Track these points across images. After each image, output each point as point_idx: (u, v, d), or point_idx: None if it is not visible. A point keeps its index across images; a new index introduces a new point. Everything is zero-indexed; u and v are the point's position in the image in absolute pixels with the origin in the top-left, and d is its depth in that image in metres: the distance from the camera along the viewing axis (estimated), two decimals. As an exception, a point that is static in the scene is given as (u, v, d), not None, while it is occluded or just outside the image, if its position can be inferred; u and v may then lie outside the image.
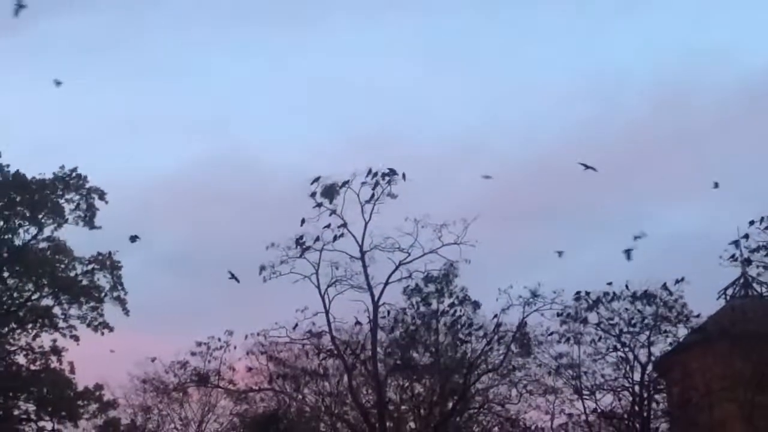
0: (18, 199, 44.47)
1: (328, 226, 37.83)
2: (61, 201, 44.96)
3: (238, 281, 38.74)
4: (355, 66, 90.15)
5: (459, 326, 40.80)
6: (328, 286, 38.11)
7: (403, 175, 37.44)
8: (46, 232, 45.75)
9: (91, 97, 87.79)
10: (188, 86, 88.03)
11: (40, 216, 44.85)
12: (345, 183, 37.71)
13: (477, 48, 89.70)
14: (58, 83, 39.49)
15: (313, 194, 37.69)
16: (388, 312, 40.02)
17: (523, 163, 71.56)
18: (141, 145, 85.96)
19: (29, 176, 45.02)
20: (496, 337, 40.02)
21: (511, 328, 39.67)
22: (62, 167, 45.03)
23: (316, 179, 37.67)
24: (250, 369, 41.82)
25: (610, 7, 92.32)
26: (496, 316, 39.55)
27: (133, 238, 41.34)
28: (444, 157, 69.10)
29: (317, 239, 37.86)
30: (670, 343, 40.60)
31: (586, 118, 79.31)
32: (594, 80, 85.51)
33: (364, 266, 38.12)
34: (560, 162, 69.87)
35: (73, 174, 44.95)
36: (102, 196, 45.28)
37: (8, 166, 44.84)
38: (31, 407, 46.79)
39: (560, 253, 39.80)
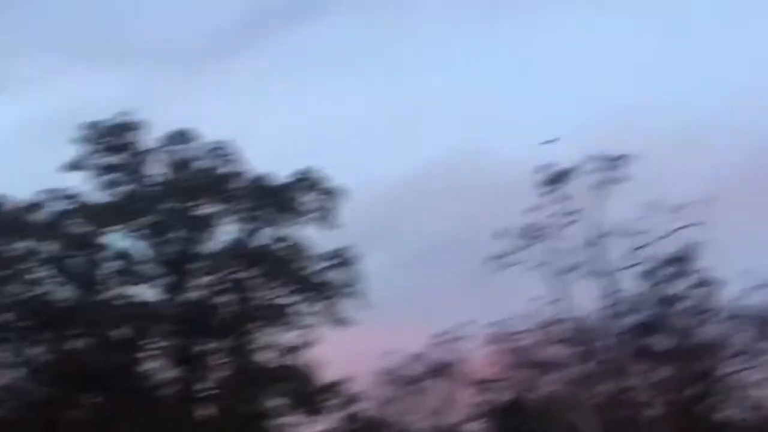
0: (261, 202, 46.35)
1: (558, 213, 37.74)
2: (301, 200, 46.57)
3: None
4: (586, 54, 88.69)
5: (700, 309, 39.84)
6: (562, 274, 38.03)
7: (634, 158, 36.87)
8: (286, 232, 47.52)
9: (334, 100, 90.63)
10: (429, 84, 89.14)
11: (282, 217, 46.66)
12: (573, 169, 37.50)
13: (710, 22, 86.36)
14: None
15: (541, 182, 37.69)
16: (626, 298, 39.52)
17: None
18: (382, 145, 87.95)
19: (271, 179, 46.91)
20: (740, 320, 38.93)
21: (757, 311, 38.53)
22: (302, 168, 46.57)
23: (544, 166, 37.61)
24: (493, 357, 42.25)
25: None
26: (739, 298, 38.50)
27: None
28: (685, 141, 66.93)
29: (547, 227, 37.83)
30: None
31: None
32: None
33: (598, 252, 37.78)
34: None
35: (313, 174, 46.44)
36: (340, 194, 46.52)
37: (250, 171, 46.88)
38: (278, 402, 48.66)
39: None
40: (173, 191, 46.60)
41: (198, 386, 47.40)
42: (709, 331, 40.19)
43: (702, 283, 39.77)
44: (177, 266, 46.36)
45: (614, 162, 37.10)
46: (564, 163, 37.56)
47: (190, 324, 46.01)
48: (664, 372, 41.63)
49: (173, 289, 46.67)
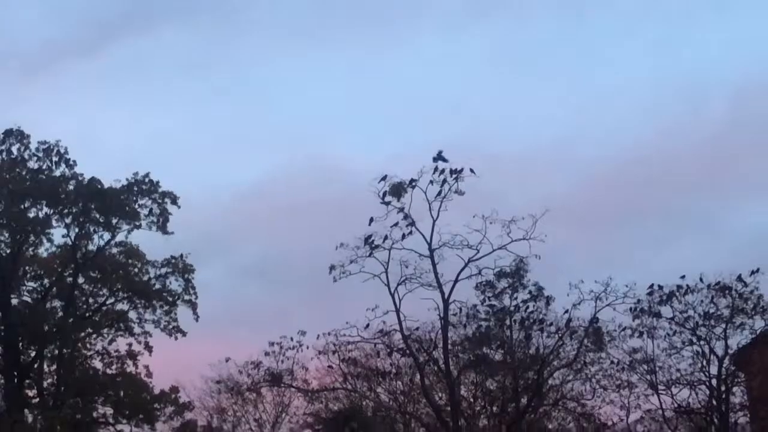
0: (93, 206, 44.98)
1: (396, 224, 37.72)
2: (135, 206, 45.44)
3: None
4: (438, 74, 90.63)
5: (531, 321, 40.52)
6: (398, 285, 37.97)
7: (471, 170, 37.05)
8: (120, 237, 46.38)
9: (173, 112, 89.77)
10: (268, 98, 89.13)
11: (114, 221, 45.43)
12: (412, 181, 37.53)
13: (562, 54, 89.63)
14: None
15: (382, 194, 37.58)
16: (460, 309, 39.92)
17: (607, 165, 71.43)
18: (222, 157, 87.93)
19: (105, 185, 45.52)
20: (568, 333, 39.78)
21: (583, 324, 39.45)
22: (135, 173, 45.34)
23: (383, 178, 37.52)
24: (328, 367, 41.95)
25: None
26: (567, 311, 39.35)
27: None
28: (527, 162, 69.23)
29: (386, 238, 37.79)
30: (749, 335, 39.91)
31: (670, 121, 78.85)
32: (679, 83, 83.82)
33: (434, 264, 37.87)
34: (643, 165, 69.90)
35: (146, 179, 45.29)
36: (175, 200, 45.58)
37: (82, 175, 45.45)
38: (109, 410, 47.57)
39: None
40: (1, 193, 44.84)
41: (26, 394, 45.91)
42: (540, 343, 40.88)
43: (534, 296, 40.46)
44: (2, 270, 44.67)
45: (452, 175, 37.25)
46: (404, 175, 37.48)
47: (16, 330, 44.48)
48: (496, 382, 42.30)
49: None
